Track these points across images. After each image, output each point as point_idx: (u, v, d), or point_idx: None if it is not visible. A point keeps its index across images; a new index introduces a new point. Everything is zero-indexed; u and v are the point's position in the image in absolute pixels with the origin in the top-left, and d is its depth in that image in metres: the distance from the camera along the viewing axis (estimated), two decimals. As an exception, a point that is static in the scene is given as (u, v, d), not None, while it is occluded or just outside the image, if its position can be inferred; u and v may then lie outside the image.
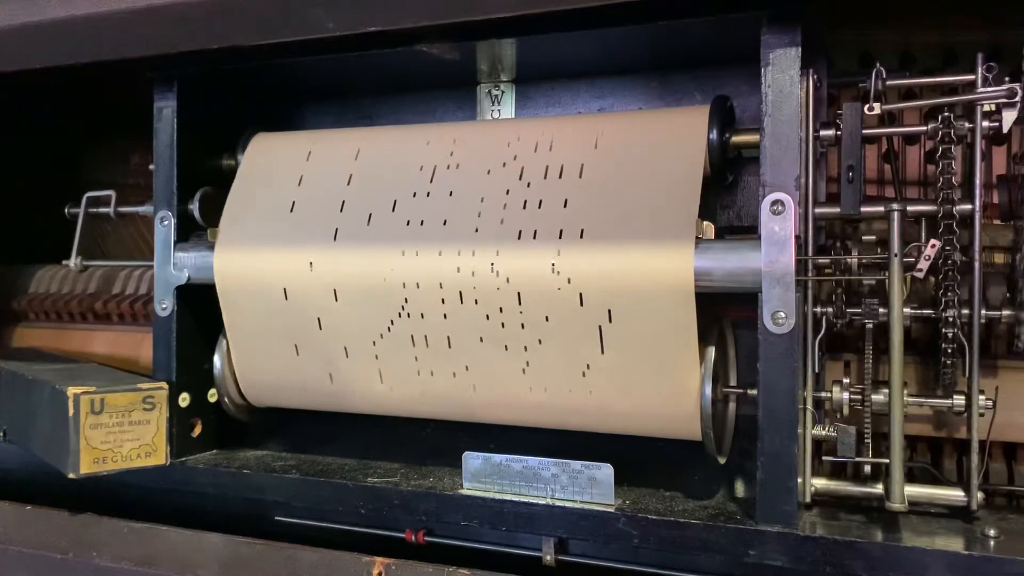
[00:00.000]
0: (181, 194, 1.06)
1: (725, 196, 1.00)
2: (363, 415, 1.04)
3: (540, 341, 0.88)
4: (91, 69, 0.98)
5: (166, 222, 1.05)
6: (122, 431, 0.97)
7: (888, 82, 0.83)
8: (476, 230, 0.89)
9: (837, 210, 0.85)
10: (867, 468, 0.89)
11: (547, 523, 0.89)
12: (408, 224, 0.93)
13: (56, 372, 1.08)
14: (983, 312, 0.83)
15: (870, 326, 0.86)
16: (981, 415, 0.83)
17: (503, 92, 1.09)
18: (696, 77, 1.01)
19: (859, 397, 0.86)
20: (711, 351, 0.85)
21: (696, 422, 0.85)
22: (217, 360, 1.05)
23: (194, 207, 1.07)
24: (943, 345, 0.84)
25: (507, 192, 0.91)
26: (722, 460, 0.91)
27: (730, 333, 0.96)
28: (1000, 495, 0.92)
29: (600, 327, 0.85)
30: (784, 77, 0.80)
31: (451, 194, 0.93)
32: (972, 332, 0.83)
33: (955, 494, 0.84)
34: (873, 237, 0.90)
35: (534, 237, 0.87)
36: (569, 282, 0.85)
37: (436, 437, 1.07)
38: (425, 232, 0.91)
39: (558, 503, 0.88)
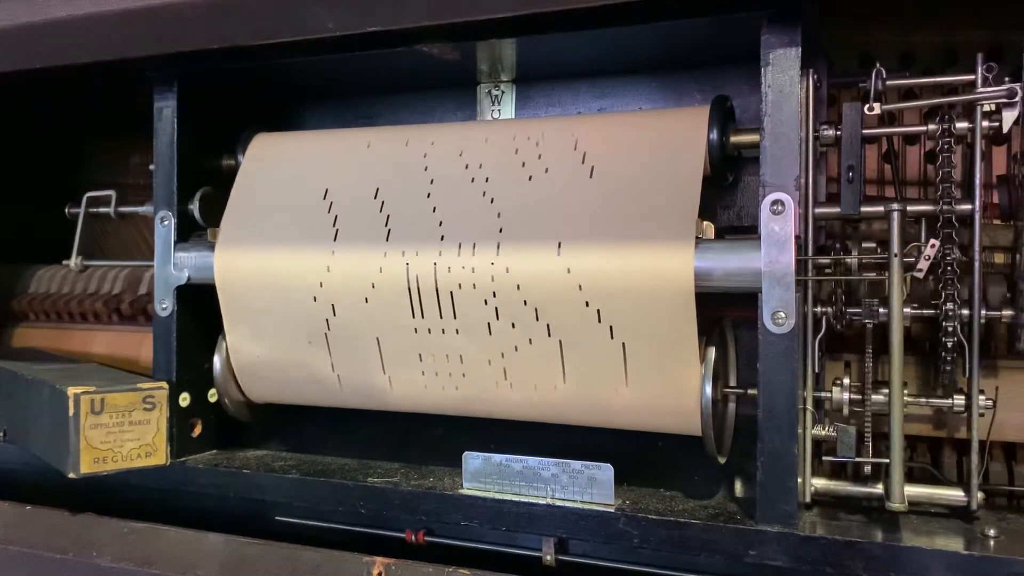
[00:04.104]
0: (181, 194, 1.06)
1: (725, 196, 1.00)
2: (363, 415, 1.04)
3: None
4: (91, 69, 0.98)
5: (166, 222, 1.05)
6: (122, 431, 0.97)
7: (888, 82, 0.83)
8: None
9: (837, 210, 0.85)
10: (867, 468, 0.89)
11: (547, 523, 0.89)
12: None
13: (56, 372, 1.08)
14: (983, 312, 0.83)
15: (870, 326, 0.86)
16: (981, 415, 0.83)
17: (503, 92, 1.09)
18: (696, 77, 1.01)
19: (859, 397, 0.86)
20: (711, 351, 0.85)
21: (696, 420, 0.85)
22: (217, 360, 1.05)
23: (194, 207, 1.07)
24: (943, 345, 0.84)
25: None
26: (722, 460, 0.91)
27: (730, 333, 0.96)
28: (1000, 495, 0.92)
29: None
30: (784, 77, 0.80)
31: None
32: (972, 332, 0.83)
33: (955, 494, 0.84)
34: (873, 238, 0.90)
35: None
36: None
37: (436, 437, 1.07)
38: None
39: (558, 503, 0.88)
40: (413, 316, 0.92)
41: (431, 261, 0.90)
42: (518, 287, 0.87)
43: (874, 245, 0.89)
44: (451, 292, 0.90)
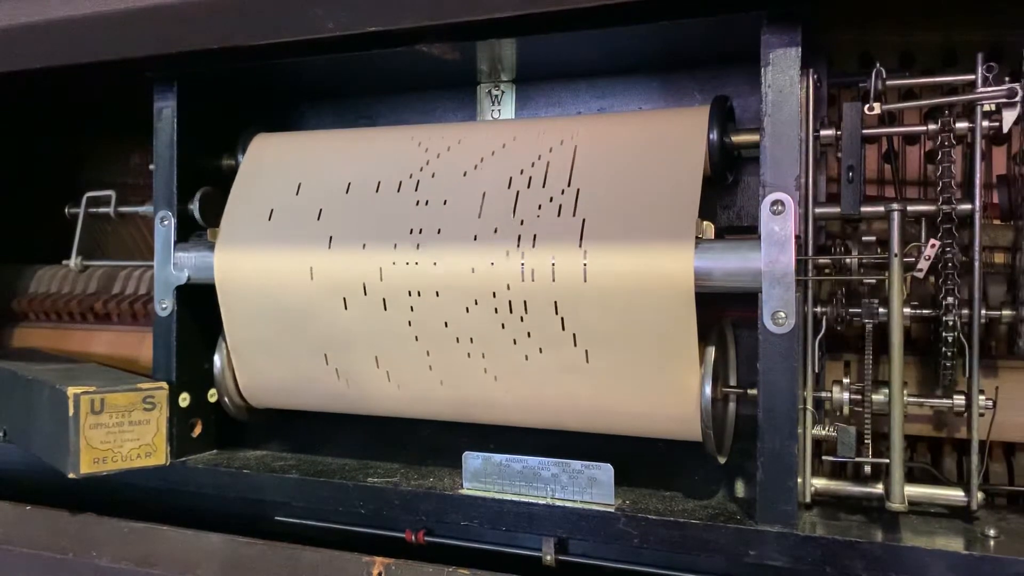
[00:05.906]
0: (181, 194, 1.06)
1: (725, 196, 1.00)
2: (363, 415, 1.04)
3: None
4: (91, 69, 0.98)
5: (166, 222, 1.05)
6: (122, 431, 0.97)
7: (888, 82, 0.83)
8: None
9: (837, 210, 0.85)
10: (867, 468, 0.89)
11: (547, 523, 0.89)
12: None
13: (56, 372, 1.08)
14: (983, 312, 0.83)
15: (870, 326, 0.86)
16: (981, 415, 0.83)
17: (503, 92, 1.09)
18: (696, 77, 1.01)
19: (859, 397, 0.86)
20: (711, 351, 0.85)
21: (696, 422, 0.85)
22: (217, 360, 1.05)
23: (194, 207, 1.07)
24: (943, 345, 0.84)
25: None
26: (722, 460, 0.91)
27: (730, 333, 0.96)
28: (1000, 495, 0.92)
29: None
30: (784, 77, 0.80)
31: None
32: (972, 332, 0.82)
33: (955, 494, 0.84)
34: (873, 237, 0.90)
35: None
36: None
37: (436, 437, 1.07)
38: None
39: (558, 503, 0.88)
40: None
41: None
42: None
43: (875, 241, 0.89)
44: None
